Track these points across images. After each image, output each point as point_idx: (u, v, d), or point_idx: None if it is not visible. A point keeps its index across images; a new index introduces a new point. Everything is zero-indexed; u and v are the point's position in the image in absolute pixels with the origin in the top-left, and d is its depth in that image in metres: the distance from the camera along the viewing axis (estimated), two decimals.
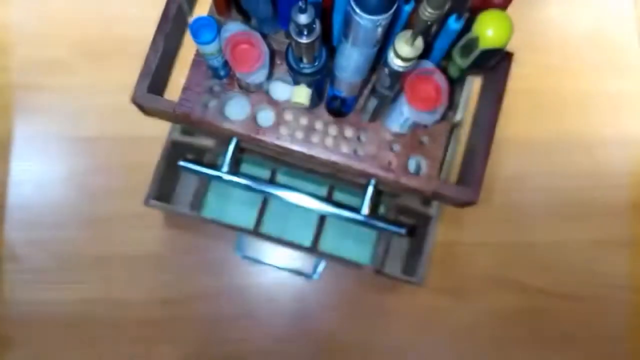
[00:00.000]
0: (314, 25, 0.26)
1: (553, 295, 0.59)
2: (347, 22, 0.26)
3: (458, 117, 0.39)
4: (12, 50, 0.61)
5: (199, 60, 0.38)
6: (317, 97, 0.36)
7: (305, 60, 0.30)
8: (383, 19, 0.24)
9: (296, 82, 0.33)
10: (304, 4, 0.25)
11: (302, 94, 0.33)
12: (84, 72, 0.60)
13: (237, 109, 0.38)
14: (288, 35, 0.37)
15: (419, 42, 0.27)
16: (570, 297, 0.59)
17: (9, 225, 0.56)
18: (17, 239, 0.56)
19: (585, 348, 0.58)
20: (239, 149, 0.40)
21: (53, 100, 0.60)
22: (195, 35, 0.32)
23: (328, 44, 0.32)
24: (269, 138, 0.38)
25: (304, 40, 0.27)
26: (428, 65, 0.32)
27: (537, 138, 0.63)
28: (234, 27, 0.32)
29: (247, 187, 0.41)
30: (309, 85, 0.33)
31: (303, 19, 0.25)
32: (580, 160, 0.63)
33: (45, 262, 0.56)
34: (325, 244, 0.54)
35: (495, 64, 0.38)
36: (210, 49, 0.33)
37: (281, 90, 0.38)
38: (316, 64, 0.31)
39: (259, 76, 0.33)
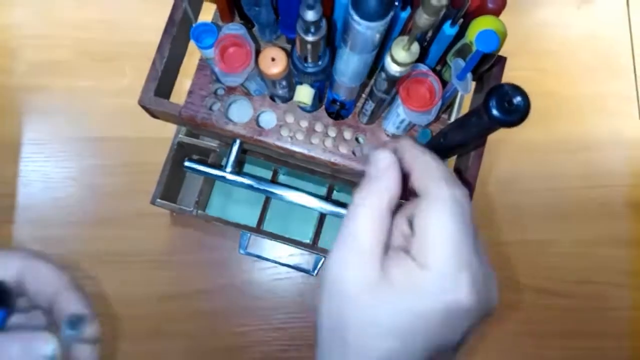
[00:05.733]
0: (321, 24, 0.27)
1: (551, 294, 0.60)
2: (346, 28, 0.27)
3: (452, 118, 0.40)
4: (19, 52, 0.61)
5: (203, 64, 0.39)
6: (317, 100, 0.37)
7: (310, 59, 0.31)
8: (380, 25, 0.25)
9: (299, 82, 0.34)
10: (312, 0, 0.25)
11: (305, 93, 0.34)
12: (91, 74, 0.61)
13: (240, 112, 0.39)
14: (289, 40, 0.38)
15: (415, 48, 0.28)
16: (568, 295, 0.60)
17: (18, 224, 0.57)
18: (26, 238, 0.57)
19: (584, 345, 0.59)
20: (242, 150, 0.40)
21: (61, 102, 0.60)
22: (197, 40, 0.33)
23: (330, 47, 0.33)
24: (270, 139, 0.38)
25: (310, 38, 0.27)
26: (422, 68, 0.33)
27: (531, 140, 0.63)
28: (229, 29, 0.33)
29: (250, 187, 0.42)
30: (311, 85, 0.34)
31: (311, 15, 0.26)
32: (574, 162, 0.63)
33: (53, 260, 0.57)
34: (325, 241, 0.55)
35: (489, 67, 0.39)
36: (212, 53, 0.34)
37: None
38: (320, 63, 0.31)
39: (236, 79, 0.34)
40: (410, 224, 0.27)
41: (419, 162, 0.26)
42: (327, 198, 0.51)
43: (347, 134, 0.39)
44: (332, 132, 0.39)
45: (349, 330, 0.24)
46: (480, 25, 0.32)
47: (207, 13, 0.40)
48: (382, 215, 0.25)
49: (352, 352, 0.24)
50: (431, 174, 0.26)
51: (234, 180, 0.41)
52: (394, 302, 0.24)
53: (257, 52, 0.33)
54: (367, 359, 0.24)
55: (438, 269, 0.23)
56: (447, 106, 0.39)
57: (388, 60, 0.29)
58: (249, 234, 0.56)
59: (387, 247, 0.25)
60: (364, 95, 0.39)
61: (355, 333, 0.24)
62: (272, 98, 0.39)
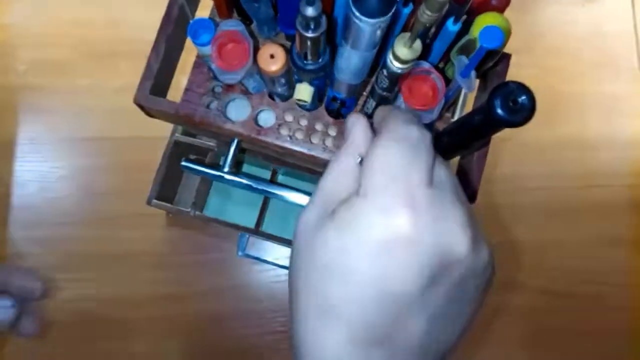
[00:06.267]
0: (321, 20, 0.26)
1: (551, 294, 0.60)
2: (347, 25, 0.26)
3: (455, 117, 0.40)
4: (16, 51, 0.61)
5: (200, 62, 0.39)
6: (317, 98, 0.37)
7: (309, 56, 0.30)
8: (382, 21, 0.25)
9: (299, 80, 0.34)
10: None
11: (304, 91, 0.34)
12: (88, 73, 0.61)
13: (238, 110, 0.39)
14: (288, 37, 0.38)
15: (418, 45, 0.28)
16: (569, 295, 0.60)
17: (14, 225, 0.57)
18: (21, 238, 0.57)
19: (584, 345, 0.59)
20: (240, 150, 0.40)
21: (57, 101, 0.60)
22: (193, 37, 0.33)
23: (330, 44, 0.32)
24: (269, 139, 0.38)
25: (310, 34, 0.27)
26: (425, 65, 0.32)
27: (534, 139, 0.63)
28: (227, 26, 0.32)
29: (248, 187, 0.41)
30: (311, 83, 0.33)
31: (310, 11, 0.25)
32: (576, 161, 0.63)
33: (49, 260, 0.56)
34: None
35: (493, 65, 0.38)
36: (209, 50, 0.33)
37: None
38: (320, 60, 0.31)
39: (234, 77, 0.33)
40: None
41: (379, 111, 0.29)
42: None
43: None
44: (332, 131, 0.39)
45: (303, 274, 0.24)
46: (484, 21, 0.32)
47: (205, 9, 0.40)
48: (344, 167, 0.26)
49: (312, 299, 0.23)
50: (386, 116, 0.27)
51: (232, 180, 0.41)
52: (334, 237, 0.23)
53: (256, 49, 0.32)
54: (322, 303, 0.23)
55: (373, 196, 0.22)
56: (450, 104, 0.39)
57: (390, 58, 0.29)
58: (247, 236, 0.55)
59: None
60: (365, 94, 0.38)
61: (311, 277, 0.23)
62: (271, 96, 0.39)
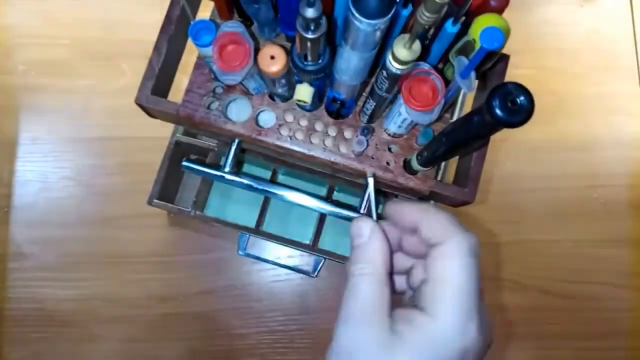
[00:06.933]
0: (321, 21, 0.27)
1: (551, 294, 0.59)
2: (347, 26, 0.27)
3: (455, 118, 0.40)
4: (17, 52, 0.61)
5: (201, 62, 0.39)
6: (317, 99, 0.37)
7: (309, 57, 0.30)
8: (381, 23, 0.25)
9: (299, 81, 0.34)
10: None
11: (304, 92, 0.34)
12: (88, 73, 0.61)
13: (239, 111, 0.39)
14: (288, 38, 0.38)
15: (417, 46, 0.28)
16: (568, 295, 0.59)
17: (15, 225, 0.57)
18: (22, 238, 0.56)
19: (584, 345, 0.59)
20: (240, 150, 0.40)
21: (58, 101, 0.60)
22: (194, 38, 0.33)
23: (330, 45, 0.32)
24: (270, 139, 0.38)
25: (310, 35, 0.27)
26: (424, 66, 0.33)
27: (533, 139, 0.63)
28: (227, 27, 0.33)
29: (249, 187, 0.41)
30: (311, 84, 0.33)
31: (311, 13, 0.25)
32: (576, 161, 0.63)
33: (50, 260, 0.56)
34: (325, 242, 0.55)
35: (492, 66, 0.38)
36: (210, 51, 0.33)
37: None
38: (320, 61, 0.31)
39: (235, 78, 0.33)
40: (407, 275, 0.29)
41: (427, 213, 0.28)
42: (327, 198, 0.51)
43: (348, 134, 0.39)
44: (332, 132, 0.39)
45: None
46: (483, 23, 0.32)
47: (205, 10, 0.40)
48: (381, 279, 0.26)
49: None
50: (444, 223, 0.27)
51: (232, 180, 0.41)
52: (410, 358, 0.24)
53: (256, 50, 0.32)
54: None
55: (449, 320, 0.24)
56: (450, 105, 0.39)
57: (389, 59, 0.29)
58: (247, 235, 0.55)
59: (391, 307, 0.26)
60: (364, 94, 0.38)
61: None
62: (271, 97, 0.39)
